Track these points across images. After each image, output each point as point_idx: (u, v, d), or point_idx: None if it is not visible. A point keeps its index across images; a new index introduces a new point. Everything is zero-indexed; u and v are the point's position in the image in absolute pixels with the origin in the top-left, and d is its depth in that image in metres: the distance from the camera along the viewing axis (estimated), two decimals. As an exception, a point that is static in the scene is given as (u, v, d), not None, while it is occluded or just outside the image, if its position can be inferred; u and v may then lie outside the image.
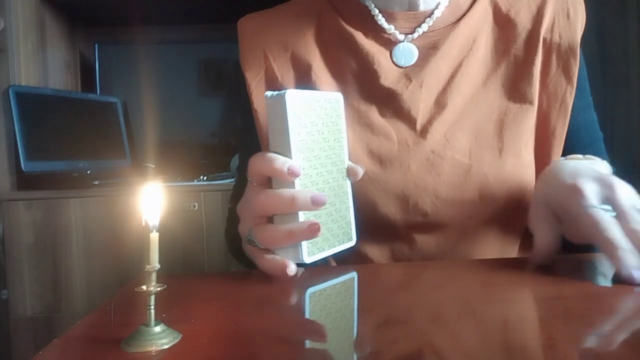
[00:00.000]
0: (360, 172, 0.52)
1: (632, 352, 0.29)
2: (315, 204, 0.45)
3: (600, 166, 0.52)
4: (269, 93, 0.46)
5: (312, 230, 0.45)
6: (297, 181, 0.46)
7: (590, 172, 0.48)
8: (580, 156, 0.56)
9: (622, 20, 1.50)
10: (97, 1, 1.69)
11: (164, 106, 1.73)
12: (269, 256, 0.47)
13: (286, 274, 0.45)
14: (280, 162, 0.45)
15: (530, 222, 0.51)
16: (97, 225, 1.43)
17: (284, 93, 0.45)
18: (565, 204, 0.47)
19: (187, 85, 1.88)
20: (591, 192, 0.46)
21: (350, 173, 0.52)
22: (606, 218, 0.44)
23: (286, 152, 0.46)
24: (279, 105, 0.45)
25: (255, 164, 0.47)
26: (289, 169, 0.45)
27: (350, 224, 0.53)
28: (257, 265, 0.48)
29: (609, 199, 0.45)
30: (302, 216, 0.46)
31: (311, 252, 0.47)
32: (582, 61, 0.64)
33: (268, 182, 0.48)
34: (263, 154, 0.47)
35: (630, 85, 1.48)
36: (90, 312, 0.39)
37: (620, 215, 0.44)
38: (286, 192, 0.45)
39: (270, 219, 0.48)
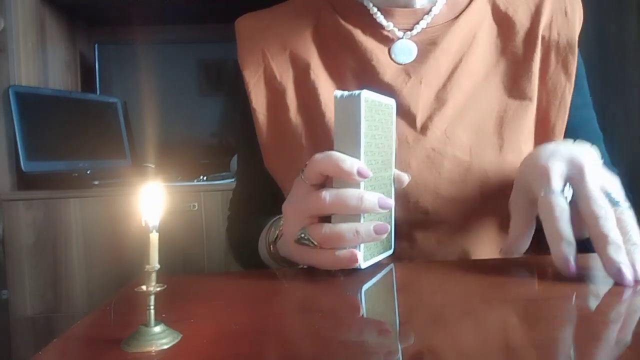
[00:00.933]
0: (406, 179, 0.52)
1: (631, 351, 0.29)
2: (382, 207, 0.45)
3: (589, 149, 0.51)
4: (338, 93, 0.46)
5: (379, 232, 0.44)
6: (362, 183, 0.45)
7: (566, 152, 0.47)
8: (571, 141, 0.55)
9: (622, 20, 1.50)
10: (97, 1, 1.69)
11: (164, 106, 1.73)
12: (329, 251, 0.45)
13: (355, 263, 0.44)
14: (349, 163, 0.44)
15: (509, 208, 0.51)
16: (97, 225, 1.43)
17: (359, 94, 0.45)
18: (533, 186, 0.47)
19: (187, 85, 1.88)
20: (557, 175, 0.45)
21: (396, 180, 0.52)
22: (559, 207, 0.44)
23: (355, 153, 0.45)
24: (353, 106, 0.45)
25: (319, 163, 0.46)
26: (358, 171, 0.44)
27: (391, 232, 0.52)
28: (311, 264, 0.47)
29: (576, 181, 0.45)
30: (362, 219, 0.45)
31: (366, 257, 0.46)
32: (580, 60, 0.65)
33: (323, 184, 0.47)
34: (328, 154, 0.45)
35: (630, 86, 1.48)
36: (90, 312, 0.39)
37: (584, 197, 0.44)
38: (353, 192, 0.44)
39: (322, 220, 0.47)
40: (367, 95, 0.45)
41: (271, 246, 0.56)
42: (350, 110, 0.45)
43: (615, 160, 0.70)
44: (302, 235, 0.46)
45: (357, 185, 0.45)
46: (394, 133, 0.52)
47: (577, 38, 0.62)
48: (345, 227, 0.44)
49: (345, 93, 0.46)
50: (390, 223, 0.52)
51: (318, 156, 0.46)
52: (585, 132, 0.65)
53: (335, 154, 0.45)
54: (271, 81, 0.65)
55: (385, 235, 0.45)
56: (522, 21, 0.63)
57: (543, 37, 0.62)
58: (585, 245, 0.46)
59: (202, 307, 0.41)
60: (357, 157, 0.45)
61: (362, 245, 0.45)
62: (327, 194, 0.45)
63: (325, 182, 0.47)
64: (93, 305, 1.40)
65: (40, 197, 1.42)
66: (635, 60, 1.46)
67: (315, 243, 0.45)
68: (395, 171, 0.52)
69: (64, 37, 1.81)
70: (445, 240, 0.60)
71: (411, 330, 0.35)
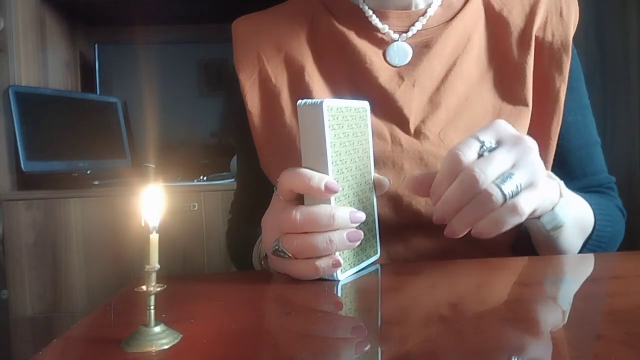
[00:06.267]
0: (387, 184, 0.51)
1: (631, 351, 0.29)
2: (354, 221, 0.44)
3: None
4: (301, 101, 0.44)
5: (352, 240, 0.43)
6: (332, 197, 0.44)
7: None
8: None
9: (622, 20, 1.50)
10: (97, 1, 1.69)
11: (164, 106, 1.73)
12: (308, 261, 0.44)
13: (338, 267, 0.44)
14: (317, 180, 0.43)
15: None
16: (97, 225, 1.42)
17: (321, 103, 0.43)
18: None
19: (187, 85, 1.88)
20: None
21: (376, 185, 0.51)
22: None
23: (322, 165, 0.43)
24: (315, 116, 0.43)
25: (288, 181, 0.45)
26: (326, 187, 0.43)
27: (376, 236, 0.51)
28: (292, 275, 0.46)
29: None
30: (333, 202, 0.44)
31: (343, 269, 0.45)
32: (577, 63, 0.65)
33: (298, 198, 0.46)
34: (296, 171, 0.44)
35: (631, 86, 1.48)
36: (90, 312, 0.39)
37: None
38: (324, 209, 0.43)
39: (298, 199, 0.46)
40: (330, 104, 0.43)
41: (262, 262, 0.57)
42: (314, 120, 0.43)
43: (615, 161, 0.70)
44: (277, 247, 0.45)
45: (329, 200, 0.44)
46: (369, 137, 0.51)
47: (571, 38, 0.62)
48: (318, 237, 0.43)
49: (308, 101, 0.43)
50: (374, 228, 0.51)
51: (287, 173, 0.45)
52: (577, 136, 0.65)
53: (303, 170, 0.44)
54: (266, 84, 0.65)
55: (358, 243, 0.44)
56: (516, 22, 0.63)
57: (537, 38, 0.62)
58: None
59: (202, 307, 0.41)
60: (325, 169, 0.43)
61: (338, 255, 0.44)
62: (298, 213, 0.44)
63: (300, 195, 0.46)
64: (93, 305, 1.40)
65: (40, 197, 1.42)
66: (636, 60, 1.46)
67: (289, 254, 0.44)
68: (375, 176, 0.51)
69: (64, 37, 1.81)
70: (438, 242, 0.60)
71: (405, 330, 0.35)
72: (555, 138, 0.61)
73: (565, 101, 0.61)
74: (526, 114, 0.60)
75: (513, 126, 0.59)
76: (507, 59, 0.62)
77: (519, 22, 0.63)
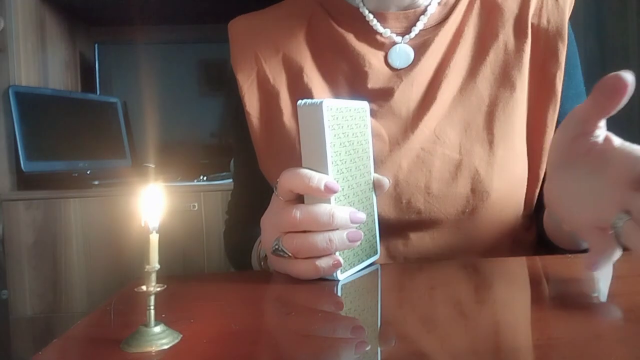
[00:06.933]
0: (387, 184, 0.51)
1: (630, 351, 0.29)
2: (354, 221, 0.44)
3: None
4: (301, 101, 0.44)
5: (352, 239, 0.44)
6: (332, 197, 0.44)
7: None
8: None
9: (622, 18, 1.50)
10: (97, 1, 1.69)
11: (164, 106, 1.73)
12: (308, 260, 0.44)
13: (339, 267, 0.44)
14: (316, 180, 0.43)
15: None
16: (97, 225, 1.43)
17: (321, 103, 0.43)
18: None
19: (187, 85, 1.88)
20: None
21: (376, 185, 0.51)
22: None
23: (322, 165, 0.44)
24: (315, 116, 0.43)
25: (288, 181, 0.45)
26: (326, 187, 0.43)
27: (376, 236, 0.52)
28: (292, 274, 0.46)
29: None
30: (333, 202, 0.44)
31: (343, 269, 0.46)
32: (575, 50, 0.64)
33: (297, 198, 0.46)
34: (296, 171, 0.44)
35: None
36: (90, 312, 0.40)
37: None
38: (323, 208, 0.43)
39: (298, 197, 0.46)
40: (329, 104, 0.44)
41: (262, 262, 0.57)
42: (313, 120, 0.44)
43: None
44: (277, 247, 0.45)
45: (329, 200, 0.44)
46: (369, 137, 0.51)
47: (567, 24, 0.61)
48: (318, 237, 0.43)
49: (308, 101, 0.44)
50: (374, 228, 0.51)
51: (286, 173, 0.45)
52: None
53: (303, 171, 0.44)
54: (264, 84, 0.64)
55: (358, 243, 0.44)
56: (511, 8, 0.62)
57: (532, 24, 0.61)
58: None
59: (202, 307, 0.41)
60: (325, 169, 0.44)
61: (338, 255, 0.44)
62: (297, 212, 0.44)
63: (299, 195, 0.46)
64: (93, 305, 1.40)
65: (40, 197, 1.42)
66: (636, 58, 1.46)
67: (290, 254, 0.45)
68: (375, 176, 0.51)
69: (64, 37, 1.81)
70: (439, 239, 0.60)
71: (404, 330, 0.34)
72: (552, 126, 0.61)
73: (562, 88, 0.61)
74: (522, 100, 0.60)
75: (509, 115, 0.59)
76: (503, 46, 0.62)
77: (514, 9, 0.62)
